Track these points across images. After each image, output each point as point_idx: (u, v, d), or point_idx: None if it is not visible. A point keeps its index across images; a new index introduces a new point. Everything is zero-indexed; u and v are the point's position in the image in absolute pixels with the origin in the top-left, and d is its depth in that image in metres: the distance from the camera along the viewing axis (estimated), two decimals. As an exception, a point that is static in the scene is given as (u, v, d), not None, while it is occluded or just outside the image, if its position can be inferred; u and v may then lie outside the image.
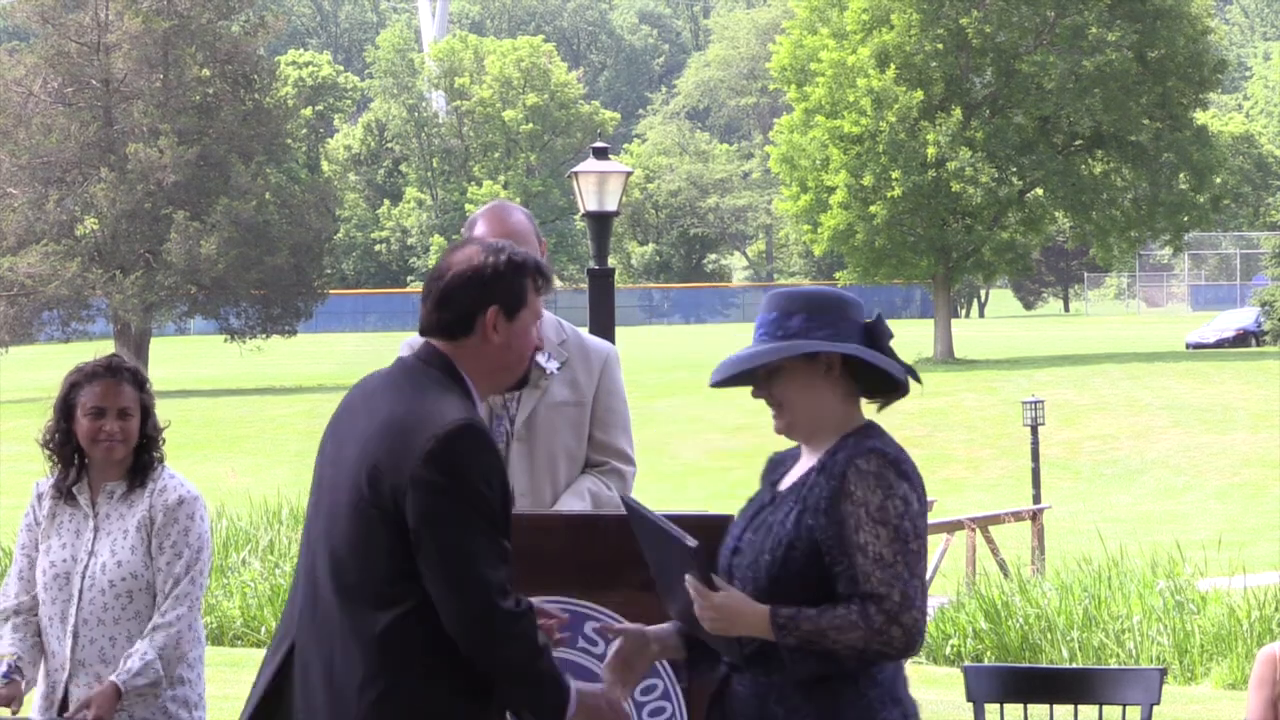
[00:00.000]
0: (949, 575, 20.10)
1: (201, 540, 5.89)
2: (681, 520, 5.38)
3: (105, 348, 55.43)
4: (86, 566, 5.86)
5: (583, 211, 18.86)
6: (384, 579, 4.35)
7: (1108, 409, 42.01)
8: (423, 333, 4.56)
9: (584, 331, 6.33)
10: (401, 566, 4.33)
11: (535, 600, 4.52)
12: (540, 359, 6.01)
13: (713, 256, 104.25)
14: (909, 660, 4.40)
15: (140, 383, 5.96)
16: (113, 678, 5.74)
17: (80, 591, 5.85)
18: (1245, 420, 40.03)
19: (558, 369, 6.07)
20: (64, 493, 5.97)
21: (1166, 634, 16.62)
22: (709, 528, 5.24)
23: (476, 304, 4.50)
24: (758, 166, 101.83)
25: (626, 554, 5.13)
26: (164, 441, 6.01)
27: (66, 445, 5.94)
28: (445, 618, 4.32)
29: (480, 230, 6.05)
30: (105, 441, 5.87)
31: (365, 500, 4.35)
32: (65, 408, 5.93)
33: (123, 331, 57.33)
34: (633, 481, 6.26)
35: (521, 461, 6.09)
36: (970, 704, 6.07)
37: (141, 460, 5.93)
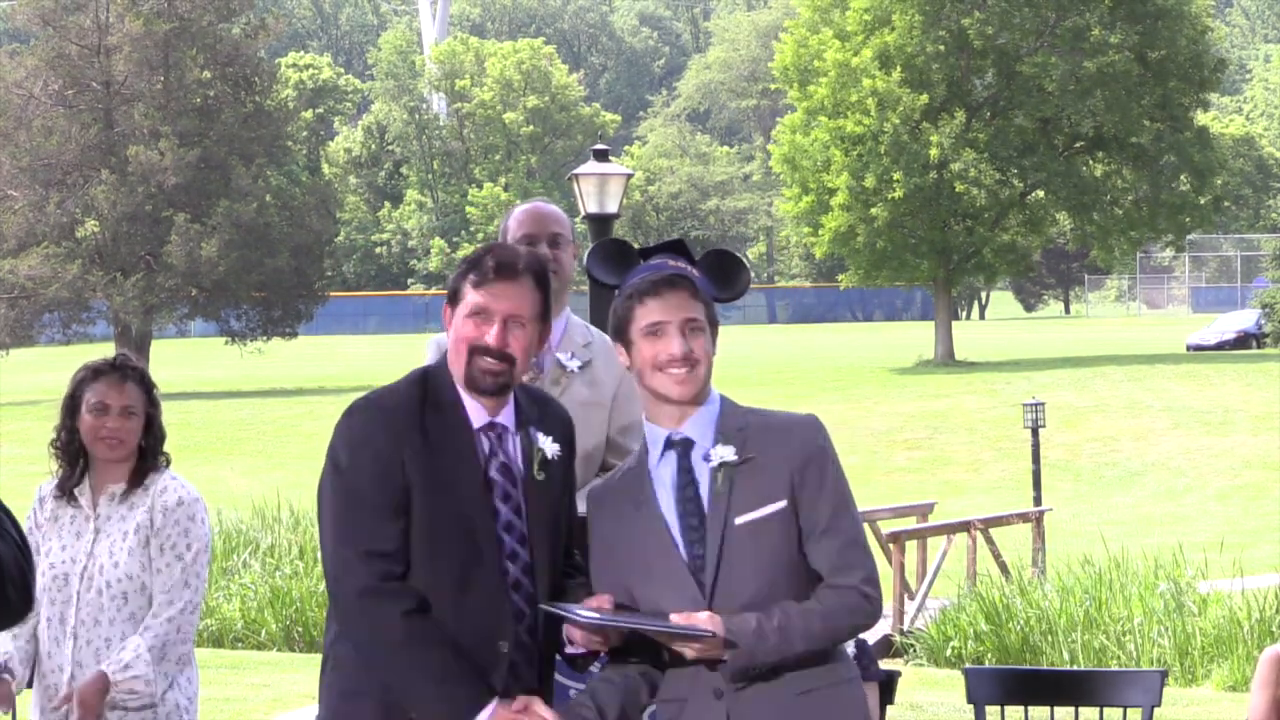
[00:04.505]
0: (950, 577, 20.05)
1: (200, 543, 5.87)
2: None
3: (106, 350, 55.37)
4: (85, 569, 5.83)
5: (583, 214, 18.83)
6: None
7: (1108, 411, 41.97)
8: None
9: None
10: None
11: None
12: (562, 358, 6.03)
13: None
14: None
15: (147, 384, 5.93)
16: (102, 666, 5.72)
17: (78, 593, 5.83)
18: (1246, 422, 39.99)
19: (579, 368, 6.07)
20: (66, 494, 5.93)
21: (1167, 636, 16.64)
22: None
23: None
24: (758, 169, 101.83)
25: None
26: (166, 458, 5.99)
27: (71, 444, 5.91)
28: None
29: (511, 224, 6.06)
30: (107, 438, 5.83)
31: None
32: (71, 405, 5.89)
33: (123, 334, 57.31)
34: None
35: None
36: (971, 706, 6.07)
37: (144, 464, 5.90)
